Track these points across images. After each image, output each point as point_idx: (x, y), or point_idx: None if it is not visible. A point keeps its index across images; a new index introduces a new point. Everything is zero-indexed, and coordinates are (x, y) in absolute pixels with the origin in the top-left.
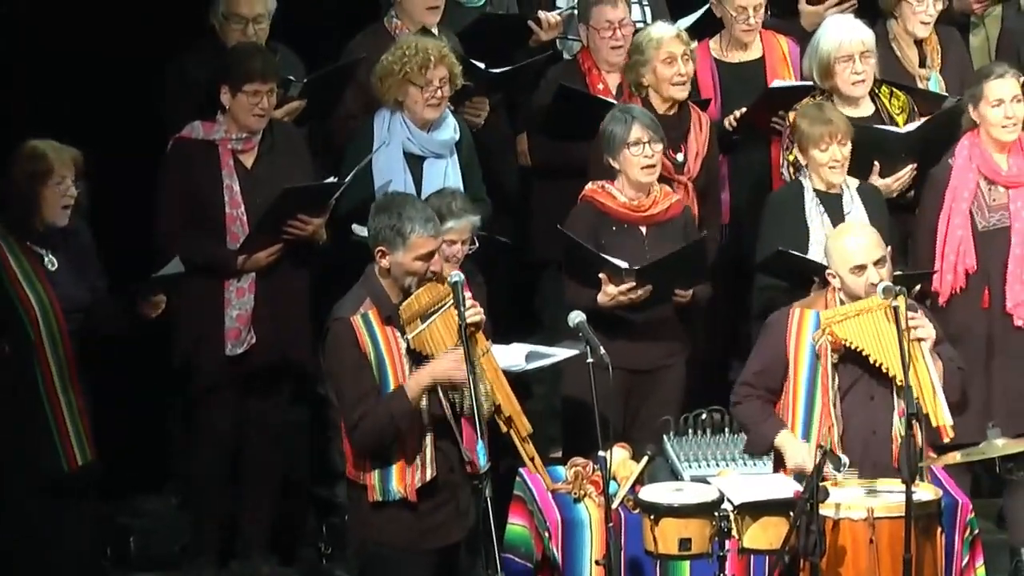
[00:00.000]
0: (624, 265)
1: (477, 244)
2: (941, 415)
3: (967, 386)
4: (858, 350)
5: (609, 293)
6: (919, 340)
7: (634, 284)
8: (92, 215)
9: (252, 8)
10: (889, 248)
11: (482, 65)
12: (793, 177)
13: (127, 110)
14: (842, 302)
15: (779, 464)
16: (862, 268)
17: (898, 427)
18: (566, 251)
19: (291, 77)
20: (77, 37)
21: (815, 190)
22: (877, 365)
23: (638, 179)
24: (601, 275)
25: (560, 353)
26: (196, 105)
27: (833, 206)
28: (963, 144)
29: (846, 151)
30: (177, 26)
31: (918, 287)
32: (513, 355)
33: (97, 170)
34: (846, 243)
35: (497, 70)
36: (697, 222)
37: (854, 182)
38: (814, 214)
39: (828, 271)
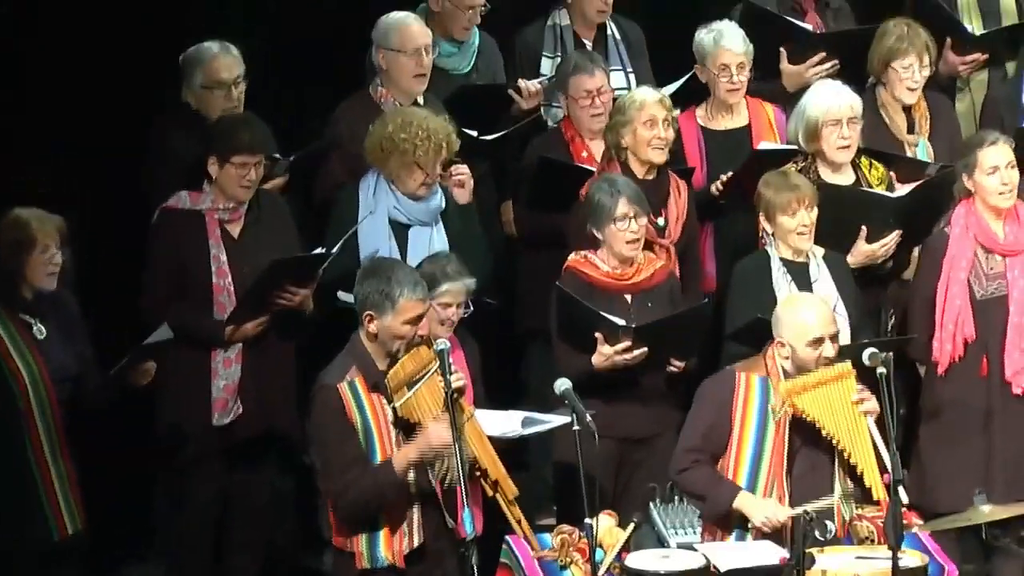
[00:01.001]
0: (622, 322)
1: (472, 308)
2: (881, 490)
3: (963, 455)
4: (813, 422)
5: (605, 353)
6: (867, 413)
7: (630, 344)
8: (77, 282)
9: (232, 72)
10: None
11: (474, 133)
12: (768, 243)
13: (109, 177)
14: (784, 370)
15: (720, 527)
16: (819, 341)
17: (840, 496)
18: (559, 311)
19: (277, 155)
20: (60, 104)
21: (781, 259)
22: (829, 438)
23: (623, 253)
24: (597, 335)
25: (555, 419)
26: (177, 175)
27: (800, 275)
28: (959, 212)
29: (813, 216)
30: (159, 94)
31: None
32: (509, 421)
33: (81, 237)
34: (804, 316)
35: (488, 137)
36: (680, 287)
37: (820, 251)
38: (781, 283)
39: (778, 339)
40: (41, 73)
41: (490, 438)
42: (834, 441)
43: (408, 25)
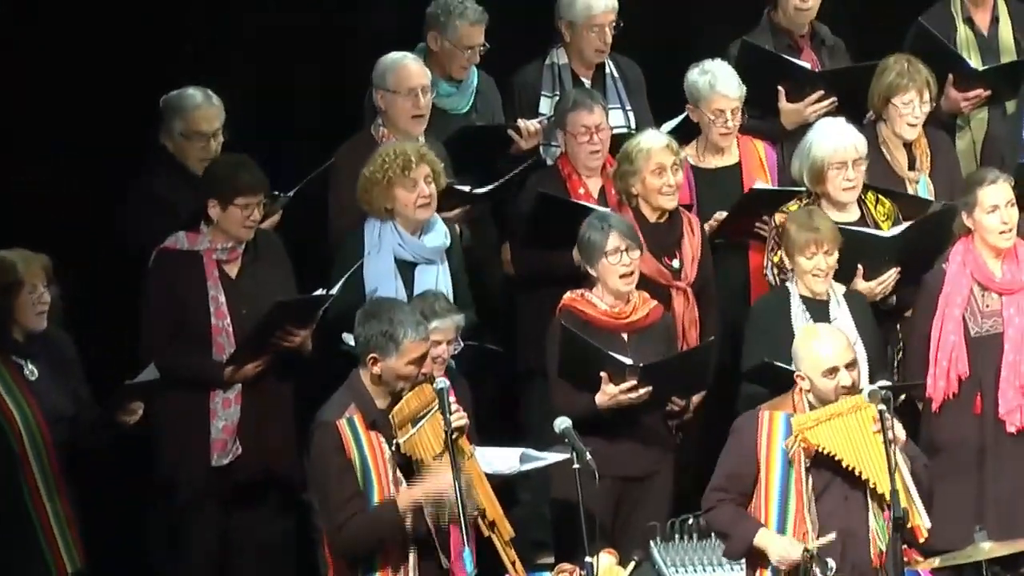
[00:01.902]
0: (629, 362)
1: (461, 344)
2: (916, 515)
3: (957, 491)
4: (831, 455)
5: (609, 392)
6: (893, 442)
7: (635, 383)
8: (72, 322)
9: (211, 124)
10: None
11: (467, 188)
12: (777, 280)
13: (101, 213)
14: (810, 404)
15: (755, 565)
16: (834, 371)
17: (875, 527)
18: (562, 350)
19: (276, 192)
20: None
21: (801, 296)
22: (850, 469)
23: (617, 287)
24: (602, 373)
25: (553, 456)
26: (154, 216)
27: (819, 312)
28: (957, 249)
29: (832, 260)
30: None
31: (903, 396)
32: (508, 457)
33: (74, 278)
34: (817, 346)
35: (482, 190)
36: (699, 326)
37: (840, 288)
38: (800, 321)
39: (797, 373)
40: (27, 106)
41: (488, 475)
42: (857, 472)
43: (405, 66)
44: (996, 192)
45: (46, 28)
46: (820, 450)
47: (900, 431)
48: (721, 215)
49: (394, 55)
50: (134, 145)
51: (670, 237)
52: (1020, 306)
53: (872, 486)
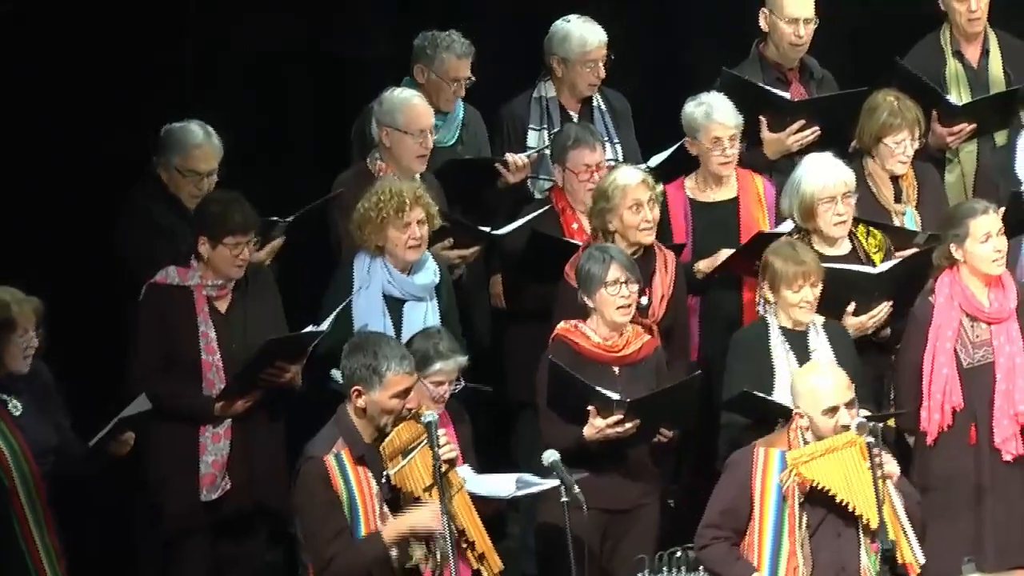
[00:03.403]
0: (616, 397)
1: (463, 383)
2: (908, 552)
3: (954, 524)
4: (826, 490)
5: (597, 426)
6: (885, 477)
7: (622, 417)
8: (52, 353)
9: (209, 164)
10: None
11: (487, 229)
12: (767, 310)
13: (84, 245)
14: (806, 441)
15: None
16: (834, 410)
17: (867, 563)
18: (551, 384)
19: (275, 218)
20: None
21: (781, 327)
22: (844, 505)
23: (614, 319)
24: (590, 407)
25: (550, 482)
26: (156, 241)
27: (799, 343)
28: (943, 281)
29: (817, 292)
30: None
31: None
32: (504, 482)
33: (56, 307)
34: (817, 385)
35: (500, 231)
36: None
37: (820, 319)
38: (779, 351)
39: (796, 410)
40: (12, 138)
41: (480, 500)
42: (849, 507)
43: (415, 105)
44: (988, 222)
45: (39, 52)
46: (814, 484)
47: (894, 466)
48: (724, 255)
49: (401, 93)
50: (126, 174)
51: (642, 273)
52: (1010, 334)
53: (865, 522)
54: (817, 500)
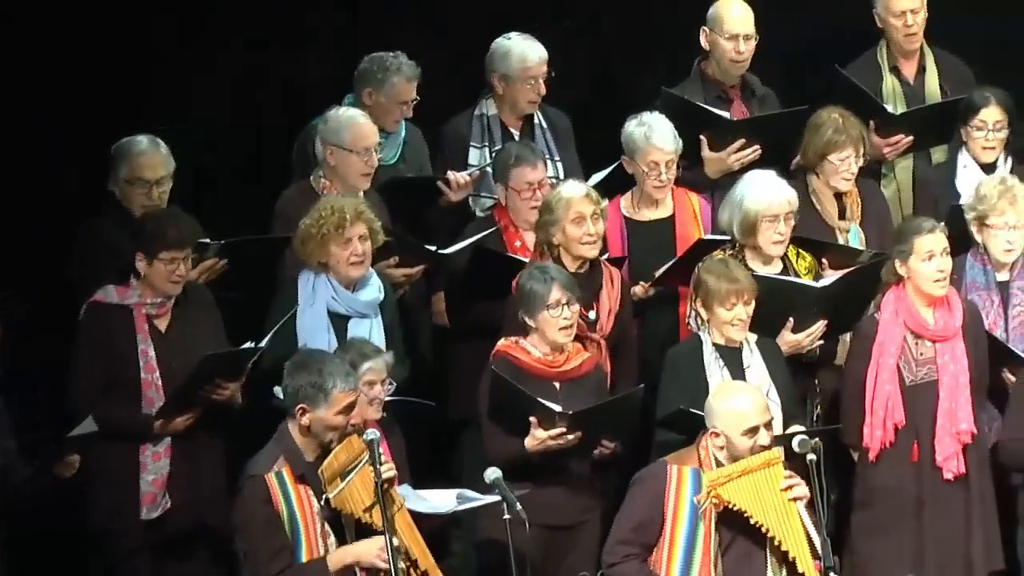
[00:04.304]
0: (558, 408)
1: (394, 384)
2: (813, 574)
3: (895, 540)
4: (742, 512)
5: (538, 437)
6: (796, 499)
7: (564, 430)
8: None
9: (155, 172)
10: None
11: (433, 248)
12: (699, 327)
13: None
14: (718, 460)
15: None
16: (754, 430)
17: None
18: (493, 396)
19: (207, 240)
20: None
21: (714, 344)
22: (758, 527)
23: (555, 339)
24: (531, 419)
25: (488, 497)
26: (107, 266)
27: (733, 360)
28: (888, 298)
29: (750, 310)
30: (87, 187)
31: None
32: (443, 498)
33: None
34: (739, 405)
35: (447, 250)
36: (610, 379)
37: (753, 336)
38: (713, 368)
39: (712, 429)
40: None
41: (421, 516)
42: (763, 529)
43: (361, 124)
44: (932, 241)
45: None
46: (730, 506)
47: (804, 489)
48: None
49: (346, 112)
50: (81, 192)
51: (588, 288)
52: (954, 353)
53: (777, 543)
54: (728, 521)
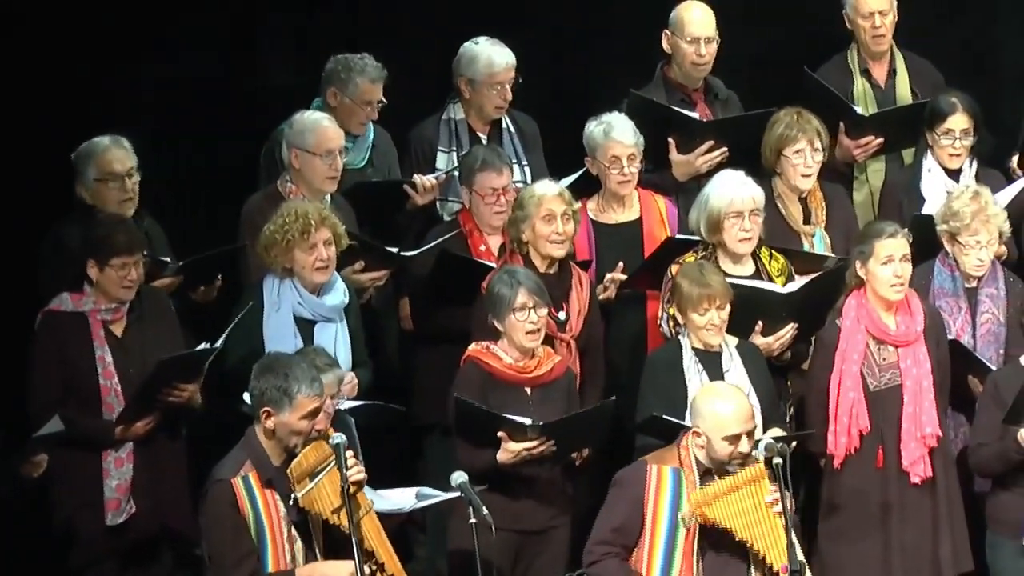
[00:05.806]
0: (528, 422)
1: (345, 396)
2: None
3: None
4: (727, 530)
5: (511, 450)
6: (781, 514)
7: (537, 442)
8: None
9: (124, 164)
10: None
11: (395, 250)
12: (672, 330)
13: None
14: (698, 460)
15: None
16: (736, 438)
17: None
18: (459, 415)
19: (166, 259)
20: None
21: (694, 349)
22: (743, 543)
23: (522, 343)
24: (500, 433)
25: (448, 493)
26: (71, 274)
27: (712, 365)
28: (850, 304)
29: (724, 315)
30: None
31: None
32: (403, 497)
33: None
34: (722, 410)
35: (409, 253)
36: (579, 380)
37: (733, 340)
38: (692, 373)
39: (695, 428)
40: None
41: (385, 517)
42: (748, 544)
43: (325, 128)
44: (893, 245)
45: None
46: (716, 524)
47: (788, 503)
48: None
49: (311, 115)
50: (45, 202)
51: (558, 289)
52: (916, 357)
53: (762, 558)
54: (709, 528)
